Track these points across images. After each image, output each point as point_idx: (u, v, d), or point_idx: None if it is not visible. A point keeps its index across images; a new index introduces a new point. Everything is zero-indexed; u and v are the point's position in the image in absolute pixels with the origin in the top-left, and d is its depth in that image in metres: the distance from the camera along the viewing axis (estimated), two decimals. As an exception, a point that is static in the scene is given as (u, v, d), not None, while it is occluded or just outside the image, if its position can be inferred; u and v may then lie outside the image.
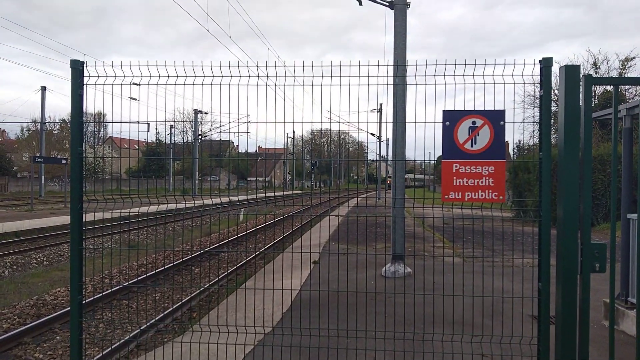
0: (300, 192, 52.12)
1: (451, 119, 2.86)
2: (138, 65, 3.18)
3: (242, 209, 21.10)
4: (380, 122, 34.84)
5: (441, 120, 2.86)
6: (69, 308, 7.21)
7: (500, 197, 2.84)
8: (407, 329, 4.97)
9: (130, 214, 19.17)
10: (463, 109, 2.90)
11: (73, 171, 3.15)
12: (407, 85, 7.83)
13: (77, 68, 3.13)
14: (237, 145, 46.16)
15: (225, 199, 26.72)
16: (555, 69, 2.87)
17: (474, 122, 2.83)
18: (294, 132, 65.46)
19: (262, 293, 6.98)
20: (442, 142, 2.83)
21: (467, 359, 4.41)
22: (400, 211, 8.79)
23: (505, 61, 2.85)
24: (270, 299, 6.70)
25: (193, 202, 21.14)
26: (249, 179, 55.96)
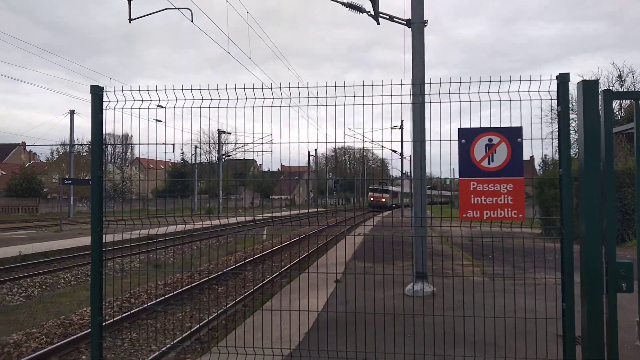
0: (324, 209, 52.09)
1: (467, 136, 2.84)
2: (156, 90, 3.26)
3: (265, 228, 21.17)
4: (402, 140, 34.73)
5: (457, 138, 2.84)
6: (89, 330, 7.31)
7: (520, 215, 2.79)
8: (428, 350, 4.87)
9: (157, 233, 19.43)
10: (482, 125, 2.88)
11: (93, 194, 3.23)
12: (427, 103, 7.81)
13: (97, 93, 3.22)
14: (261, 164, 46.54)
15: (248, 218, 26.88)
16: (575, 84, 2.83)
17: (490, 140, 2.80)
18: (316, 150, 65.62)
19: (283, 313, 6.96)
20: (458, 160, 2.80)
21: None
22: (422, 229, 8.69)
23: (520, 77, 2.83)
24: (292, 319, 6.66)
25: (218, 221, 21.32)
26: (272, 197, 56.31)
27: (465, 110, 2.89)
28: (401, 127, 34.19)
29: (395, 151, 36.69)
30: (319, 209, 51.19)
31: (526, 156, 2.82)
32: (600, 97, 2.62)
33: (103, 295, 3.35)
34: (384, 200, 59.00)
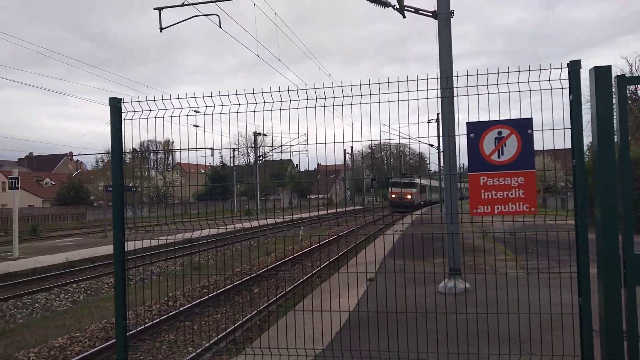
0: (361, 207, 51.79)
1: (475, 130, 2.77)
2: (170, 99, 3.35)
3: (302, 228, 21.30)
4: (439, 134, 34.15)
5: (466, 132, 2.78)
6: (132, 331, 7.55)
7: (532, 209, 2.70)
8: (461, 348, 4.79)
9: (193, 236, 19.86)
10: (487, 119, 2.81)
11: (114, 202, 3.33)
12: (455, 97, 7.67)
13: (116, 105, 3.33)
14: (297, 164, 46.84)
15: (286, 218, 27.09)
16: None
17: (499, 133, 2.72)
18: (351, 147, 65.34)
19: (315, 313, 6.98)
20: (467, 155, 2.74)
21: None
22: (454, 225, 8.54)
23: (532, 67, 2.74)
24: (324, 318, 6.68)
25: (257, 222, 21.61)
26: (309, 196, 56.41)
27: (494, 103, 2.81)
28: (437, 120, 33.65)
29: (431, 145, 36.13)
30: (356, 207, 51.10)
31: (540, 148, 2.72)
32: (614, 82, 2.51)
33: (126, 298, 3.45)
34: (409, 197, 45.34)
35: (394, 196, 45.62)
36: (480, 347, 5.03)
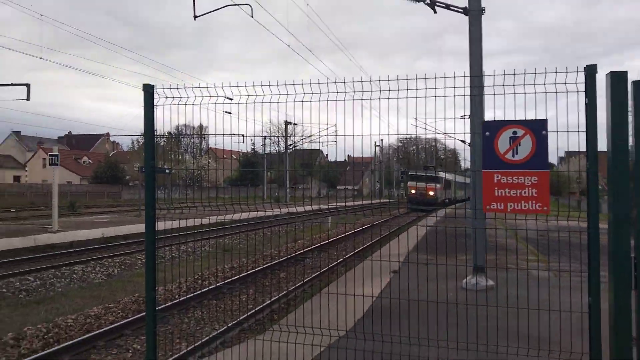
0: (389, 200, 51.51)
1: (491, 129, 2.90)
2: (199, 87, 3.57)
3: (330, 217, 21.52)
4: (473, 132, 33.73)
5: (482, 131, 2.91)
6: (165, 305, 7.94)
7: (545, 208, 2.83)
8: (480, 342, 4.92)
9: (225, 220, 20.36)
10: (503, 118, 2.92)
11: (147, 182, 3.60)
12: (479, 96, 7.70)
13: (148, 91, 3.58)
14: (327, 155, 46.95)
15: (315, 207, 27.37)
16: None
17: (514, 132, 2.85)
18: (382, 140, 64.96)
19: (339, 298, 7.21)
20: (482, 152, 2.88)
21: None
22: (480, 221, 8.60)
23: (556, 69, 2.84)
24: (348, 304, 6.90)
25: (287, 208, 21.96)
26: (338, 187, 56.56)
27: (520, 104, 2.91)
28: (470, 117, 33.20)
29: (464, 141, 35.74)
30: (385, 200, 50.83)
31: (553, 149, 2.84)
32: (629, 87, 2.61)
33: (156, 273, 3.74)
34: (431, 193, 39.22)
35: (413, 191, 39.75)
36: (499, 343, 5.15)
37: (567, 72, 2.74)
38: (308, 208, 23.70)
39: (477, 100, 7.77)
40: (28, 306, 8.84)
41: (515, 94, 2.95)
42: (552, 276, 9.07)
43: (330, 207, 23.01)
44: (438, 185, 40.16)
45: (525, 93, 2.89)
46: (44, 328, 7.13)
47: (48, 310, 8.49)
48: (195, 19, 15.10)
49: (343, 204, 22.75)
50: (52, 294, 9.82)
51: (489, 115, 8.38)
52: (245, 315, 7.83)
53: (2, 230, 17.73)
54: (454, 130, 8.09)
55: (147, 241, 3.71)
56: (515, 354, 4.72)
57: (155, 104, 3.58)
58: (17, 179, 69.63)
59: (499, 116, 3.09)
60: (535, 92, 2.87)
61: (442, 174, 40.88)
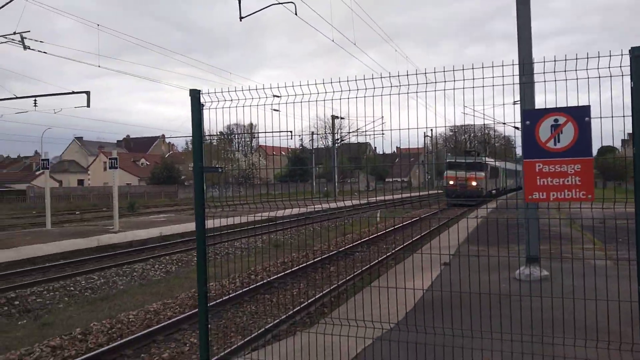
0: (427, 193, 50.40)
1: (531, 118, 2.84)
2: (243, 90, 3.68)
3: (379, 210, 21.45)
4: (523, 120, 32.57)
5: (521, 120, 2.86)
6: (218, 300, 8.22)
7: (589, 196, 2.75)
8: (529, 332, 4.81)
9: (276, 216, 20.72)
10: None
11: (195, 182, 3.77)
12: (535, 82, 7.46)
13: (195, 96, 3.74)
14: (375, 147, 46.66)
15: (363, 201, 27.34)
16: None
17: (556, 120, 2.78)
18: (431, 130, 63.64)
19: (388, 292, 7.22)
20: (522, 142, 2.83)
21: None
22: (533, 211, 8.36)
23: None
24: (398, 297, 6.90)
25: (335, 203, 22.10)
26: (387, 179, 56.12)
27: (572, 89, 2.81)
28: (520, 103, 32.03)
29: (517, 128, 34.54)
30: (433, 191, 49.90)
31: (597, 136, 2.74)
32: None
33: (207, 269, 3.91)
34: (474, 183, 32.49)
35: (451, 182, 32.47)
36: (548, 333, 5.01)
37: (610, 55, 2.65)
38: (356, 202, 23.68)
39: (525, 87, 7.53)
40: (93, 303, 9.39)
41: (555, 80, 2.86)
42: (611, 265, 8.71)
43: (369, 201, 22.88)
44: (482, 174, 32.61)
45: (566, 80, 2.80)
46: (108, 324, 7.56)
47: (111, 306, 8.98)
48: (241, 20, 15.42)
49: (383, 197, 22.53)
50: (115, 292, 10.36)
51: (539, 101, 8.08)
52: (297, 308, 7.98)
53: (69, 232, 18.82)
54: (504, 117, 7.82)
55: (198, 239, 3.88)
56: (563, 344, 4.59)
57: (205, 107, 3.75)
58: (80, 182, 73.49)
59: (549, 102, 3.01)
60: (577, 78, 2.78)
61: (487, 160, 33.88)
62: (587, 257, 9.71)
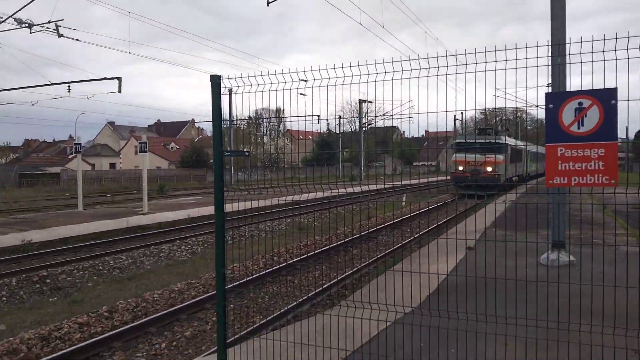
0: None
1: (555, 101, 2.73)
2: (267, 74, 3.65)
3: (405, 195, 21.26)
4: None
5: (546, 104, 2.75)
6: (240, 281, 8.32)
7: (612, 181, 2.64)
8: (553, 319, 4.72)
9: (301, 199, 20.80)
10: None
11: (215, 166, 3.79)
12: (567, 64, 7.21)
13: (216, 82, 3.73)
14: (403, 131, 46.13)
15: (389, 184, 27.16)
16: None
17: (580, 103, 2.66)
18: (462, 113, 62.54)
19: (409, 275, 7.19)
20: (545, 125, 2.73)
21: (617, 353, 4.10)
22: (561, 196, 8.16)
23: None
24: (420, 281, 6.86)
25: (360, 187, 22.03)
26: (415, 163, 55.54)
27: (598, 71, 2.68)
28: (552, 86, 30.99)
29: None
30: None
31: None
32: None
33: (225, 252, 3.95)
34: (490, 169, 25.96)
35: (461, 168, 25.58)
36: (573, 320, 4.90)
37: None
38: (381, 186, 23.52)
39: (556, 69, 7.29)
40: (121, 282, 9.65)
41: (582, 62, 2.73)
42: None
43: (394, 185, 22.67)
44: (501, 157, 26.04)
45: (592, 61, 2.66)
46: (133, 302, 7.76)
47: (138, 285, 9.21)
48: (268, 5, 15.34)
49: (408, 181, 22.12)
50: (142, 271, 10.61)
51: (575, 83, 7.81)
52: (317, 290, 8.03)
53: (100, 214, 19.33)
54: (537, 100, 7.56)
55: (217, 222, 3.91)
56: (590, 331, 4.48)
57: (234, 92, 3.75)
58: (112, 165, 75.18)
59: (585, 84, 2.87)
60: (604, 60, 2.65)
61: (507, 141, 27.11)
62: (618, 244, 9.45)
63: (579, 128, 2.68)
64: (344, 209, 20.26)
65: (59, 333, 6.49)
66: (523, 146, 32.41)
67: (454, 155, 25.88)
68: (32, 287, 9.30)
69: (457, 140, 23.71)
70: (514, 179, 29.40)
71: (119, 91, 24.58)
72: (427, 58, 3.48)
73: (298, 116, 4.48)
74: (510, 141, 28.95)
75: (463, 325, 4.93)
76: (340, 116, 49.71)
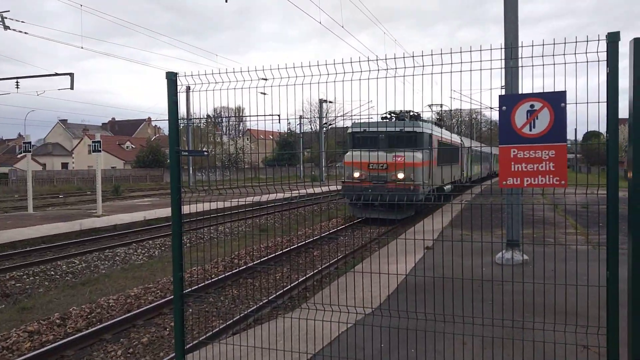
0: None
1: (507, 103, 2.81)
2: (226, 72, 3.59)
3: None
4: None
5: (499, 106, 2.82)
6: (199, 285, 8.18)
7: (562, 182, 2.74)
8: (508, 317, 4.86)
9: (262, 200, 20.65)
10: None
11: (171, 166, 3.70)
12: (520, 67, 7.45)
13: (172, 79, 3.64)
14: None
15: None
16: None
17: (532, 106, 2.75)
18: (418, 115, 63.59)
19: (370, 276, 7.26)
20: (499, 127, 2.80)
21: (568, 350, 4.25)
22: (515, 196, 8.42)
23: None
24: (381, 281, 6.93)
25: (320, 188, 22.07)
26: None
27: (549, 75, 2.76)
28: (505, 87, 32.05)
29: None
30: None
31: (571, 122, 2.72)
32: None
33: (182, 255, 3.86)
34: (401, 176, 15.77)
35: (357, 175, 16.40)
36: (531, 317, 5.06)
37: (587, 41, 2.61)
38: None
39: (511, 72, 7.52)
40: (74, 288, 9.30)
41: (533, 66, 2.83)
42: (592, 249, 8.82)
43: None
44: (419, 157, 16.11)
45: (543, 65, 2.76)
46: (87, 308, 7.49)
47: (92, 291, 8.90)
48: (226, 1, 15.14)
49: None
50: (96, 276, 10.27)
51: (527, 86, 8.06)
52: (279, 293, 7.98)
53: (52, 216, 18.59)
54: (491, 102, 7.73)
55: (173, 224, 3.82)
56: (541, 329, 4.64)
57: (192, 90, 3.66)
58: (64, 165, 72.56)
59: (536, 87, 2.96)
60: (553, 64, 2.74)
61: (430, 130, 17.57)
62: (569, 242, 9.84)
63: (530, 130, 2.77)
64: (305, 210, 20.26)
65: (6, 343, 6.19)
66: (459, 141, 24.69)
67: (350, 151, 16.96)
68: (-23, 295, 8.85)
69: (353, 130, 16.86)
70: (445, 187, 19.68)
71: (72, 88, 23.76)
72: (385, 59, 3.52)
73: (258, 115, 4.44)
74: (437, 131, 19.21)
75: (422, 325, 5.02)
76: (301, 116, 49.72)
